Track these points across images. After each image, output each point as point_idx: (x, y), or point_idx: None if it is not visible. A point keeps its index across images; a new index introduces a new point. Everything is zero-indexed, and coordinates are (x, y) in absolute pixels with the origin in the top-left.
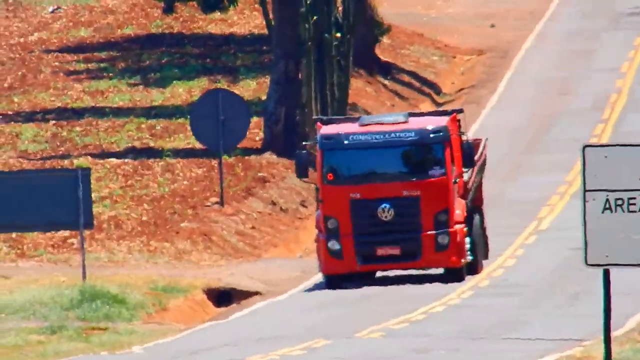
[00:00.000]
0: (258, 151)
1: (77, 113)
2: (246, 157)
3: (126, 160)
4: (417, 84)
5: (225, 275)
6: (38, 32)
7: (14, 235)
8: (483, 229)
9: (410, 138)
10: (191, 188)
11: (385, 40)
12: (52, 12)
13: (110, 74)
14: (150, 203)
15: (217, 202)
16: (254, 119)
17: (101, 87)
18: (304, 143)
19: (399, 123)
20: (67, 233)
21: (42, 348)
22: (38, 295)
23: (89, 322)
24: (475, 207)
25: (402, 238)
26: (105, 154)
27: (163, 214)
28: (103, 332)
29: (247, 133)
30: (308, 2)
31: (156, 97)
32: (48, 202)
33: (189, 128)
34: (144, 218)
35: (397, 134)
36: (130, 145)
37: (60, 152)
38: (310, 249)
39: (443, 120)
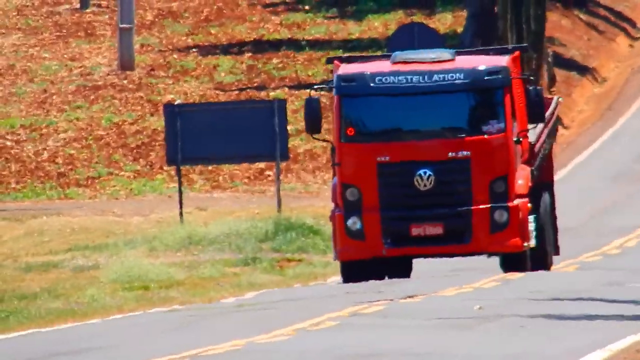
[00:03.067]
0: None
1: (274, 45)
2: None
3: (322, 92)
4: (613, 18)
5: None
6: None
7: (210, 167)
8: (553, 214)
9: (459, 81)
10: None
11: None
12: None
13: (307, 7)
14: None
15: None
16: None
17: (297, 20)
18: (315, 87)
19: (443, 61)
20: (262, 165)
21: (237, 279)
22: (233, 227)
23: (284, 254)
24: (543, 183)
25: (446, 213)
26: (302, 86)
27: None
28: (297, 264)
29: None
30: None
31: (353, 29)
32: (245, 134)
33: None
34: None
35: (441, 76)
36: (326, 78)
37: (256, 83)
38: None
39: (502, 60)
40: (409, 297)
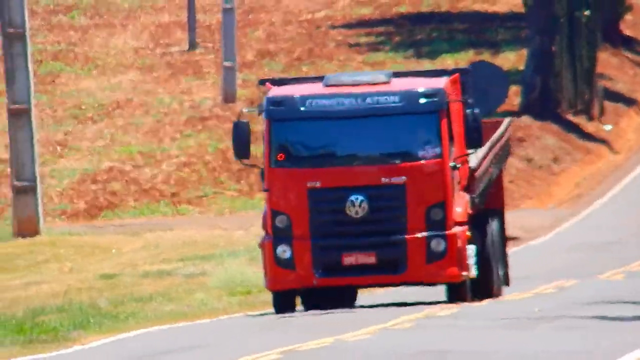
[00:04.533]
0: (516, 114)
1: None
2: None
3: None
4: None
5: None
6: (325, 9)
7: None
8: (503, 243)
9: (393, 104)
10: None
11: (628, 17)
12: None
13: (387, 47)
14: None
15: None
16: (513, 87)
17: (379, 59)
18: (244, 110)
19: (378, 84)
20: None
21: None
22: None
23: None
24: (490, 210)
25: (379, 242)
26: None
27: None
28: None
29: (506, 99)
30: None
31: (427, 67)
32: None
33: None
34: None
35: (375, 99)
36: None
37: None
38: (562, 200)
39: (439, 82)
40: (477, 300)
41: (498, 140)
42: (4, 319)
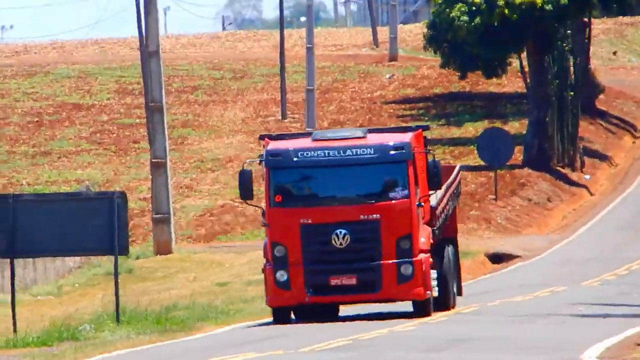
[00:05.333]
0: (519, 166)
1: None
2: (512, 170)
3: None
4: (622, 124)
5: (498, 244)
6: (380, 90)
7: None
8: (457, 263)
9: (369, 155)
10: (477, 189)
11: (601, 96)
12: (389, 78)
13: (426, 118)
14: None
15: (493, 198)
16: (517, 147)
17: None
18: (248, 161)
19: (356, 138)
20: None
21: None
22: None
23: None
24: (447, 238)
25: (359, 267)
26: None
27: (460, 207)
28: None
29: (512, 155)
30: (554, 70)
31: (455, 132)
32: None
33: (476, 152)
34: None
35: (354, 151)
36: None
37: None
38: (554, 228)
39: (406, 137)
40: (492, 303)
41: (452, 183)
42: (147, 314)
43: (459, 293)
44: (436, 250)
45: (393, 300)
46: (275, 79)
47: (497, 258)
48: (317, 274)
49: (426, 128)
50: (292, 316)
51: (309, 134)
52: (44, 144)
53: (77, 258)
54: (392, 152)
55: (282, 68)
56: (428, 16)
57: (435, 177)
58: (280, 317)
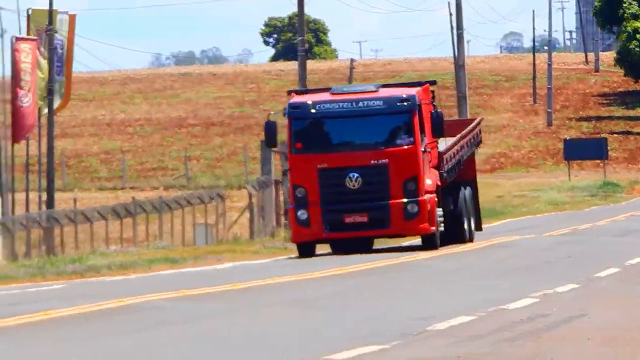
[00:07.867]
0: None
1: None
2: None
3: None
4: None
5: None
6: (589, 89)
7: None
8: (475, 202)
9: (378, 107)
10: None
11: None
12: (594, 82)
13: (614, 105)
14: None
15: None
16: None
17: None
18: (272, 112)
19: (368, 92)
20: None
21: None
22: None
23: None
24: (464, 181)
25: (370, 206)
26: None
27: None
28: None
29: None
30: None
31: (631, 113)
32: None
33: None
34: None
35: (365, 103)
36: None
37: None
38: None
39: (412, 90)
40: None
41: (469, 132)
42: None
43: (478, 228)
44: (450, 191)
45: (402, 235)
46: (529, 82)
47: None
48: (333, 212)
49: (433, 83)
50: (329, 249)
51: (328, 89)
52: None
53: None
54: (399, 104)
55: (534, 77)
56: (616, 47)
57: (438, 125)
58: (305, 251)
